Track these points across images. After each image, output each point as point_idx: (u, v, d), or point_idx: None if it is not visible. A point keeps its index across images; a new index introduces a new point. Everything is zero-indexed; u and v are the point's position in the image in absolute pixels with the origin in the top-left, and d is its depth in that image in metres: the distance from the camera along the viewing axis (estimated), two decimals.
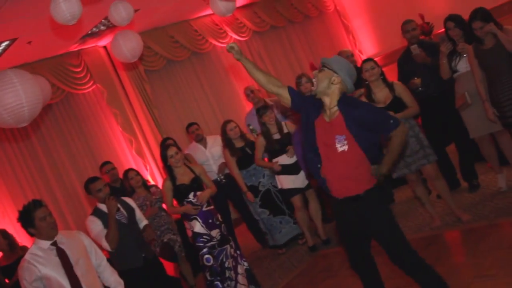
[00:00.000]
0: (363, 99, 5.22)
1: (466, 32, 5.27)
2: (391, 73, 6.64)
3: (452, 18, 5.40)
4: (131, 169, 6.52)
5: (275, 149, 6.16)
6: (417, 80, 5.76)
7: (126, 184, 6.36)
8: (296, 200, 6.24)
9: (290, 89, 3.69)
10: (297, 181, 6.17)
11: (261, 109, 6.26)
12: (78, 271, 3.87)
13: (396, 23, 6.46)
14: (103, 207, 4.94)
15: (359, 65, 6.21)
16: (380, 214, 3.52)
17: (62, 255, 3.87)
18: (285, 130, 6.27)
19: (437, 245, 4.93)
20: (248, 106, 8.69)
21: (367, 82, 5.25)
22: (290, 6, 10.78)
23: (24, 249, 5.72)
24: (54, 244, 3.90)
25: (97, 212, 4.96)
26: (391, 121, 3.50)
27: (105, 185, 5.03)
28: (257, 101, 7.17)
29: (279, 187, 6.32)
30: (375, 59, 5.67)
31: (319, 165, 3.59)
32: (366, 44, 11.59)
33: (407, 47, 6.06)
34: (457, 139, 5.95)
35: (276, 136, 6.21)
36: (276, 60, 10.44)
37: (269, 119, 6.18)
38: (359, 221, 3.55)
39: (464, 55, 5.29)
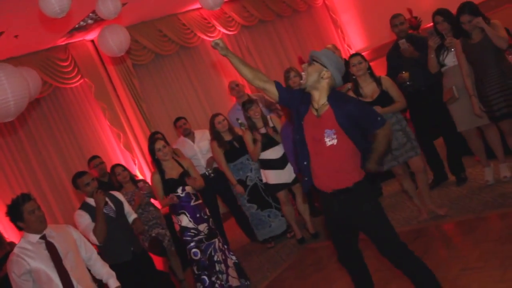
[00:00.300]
0: (351, 93, 5.24)
1: (454, 27, 5.29)
2: (380, 67, 6.67)
3: (440, 12, 5.43)
4: (117, 165, 6.47)
5: (261, 142, 6.15)
6: (405, 74, 5.79)
7: (113, 180, 6.33)
8: (282, 195, 6.25)
9: (277, 84, 3.68)
10: (282, 176, 6.17)
11: (246, 103, 6.25)
12: (67, 264, 3.87)
13: (385, 18, 6.47)
14: (91, 201, 4.92)
15: (346, 58, 6.21)
16: (370, 206, 3.53)
17: (51, 248, 3.86)
18: (271, 125, 6.27)
19: (424, 238, 4.97)
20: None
21: (354, 77, 5.26)
22: (278, 0, 10.76)
23: (12, 244, 5.69)
24: (43, 237, 3.89)
25: (85, 206, 4.95)
26: (378, 118, 3.53)
27: (93, 179, 5.02)
28: (241, 95, 7.21)
29: (264, 181, 6.31)
30: (364, 53, 5.70)
31: (305, 163, 3.60)
32: (355, 39, 11.62)
33: (396, 41, 6.07)
34: (445, 132, 5.99)
35: (262, 131, 6.20)
36: (264, 54, 10.43)
37: (254, 113, 6.18)
38: (348, 214, 3.56)
39: (452, 49, 5.32)
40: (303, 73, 3.57)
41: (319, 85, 3.52)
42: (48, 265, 3.81)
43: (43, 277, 3.79)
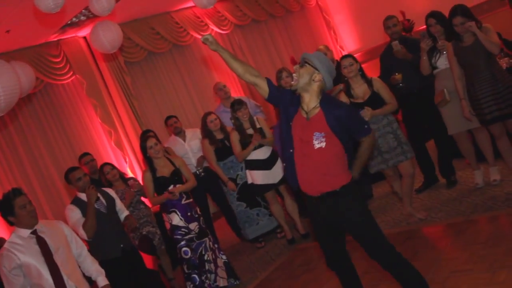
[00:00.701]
0: (342, 94, 5.25)
1: (447, 29, 5.31)
2: (373, 69, 6.68)
3: (434, 15, 5.45)
4: (106, 164, 6.39)
5: (248, 142, 6.15)
6: (398, 76, 5.81)
7: (102, 179, 6.30)
8: (269, 195, 6.25)
9: (268, 81, 3.67)
10: (269, 176, 6.16)
11: (236, 104, 6.23)
12: (58, 259, 3.86)
13: (378, 20, 6.49)
14: (83, 196, 4.93)
15: (338, 59, 6.22)
16: (357, 209, 3.53)
17: (42, 243, 3.85)
18: (257, 125, 6.28)
19: (414, 240, 4.98)
20: None
21: (346, 78, 5.27)
22: (271, 0, 10.76)
23: (2, 240, 5.67)
24: (34, 232, 3.88)
25: (76, 201, 4.96)
26: (366, 126, 3.56)
27: (85, 175, 5.05)
28: (228, 97, 7.23)
29: (249, 182, 6.26)
30: (356, 55, 5.71)
31: (290, 164, 3.59)
32: (347, 40, 11.63)
33: (389, 43, 6.09)
34: (436, 135, 6.01)
35: (250, 131, 6.20)
36: (257, 54, 10.43)
37: (242, 114, 6.18)
38: (335, 217, 3.55)
39: (444, 52, 5.34)
40: (294, 75, 3.56)
41: (310, 87, 3.52)
42: (38, 260, 3.80)
43: (34, 272, 3.78)
